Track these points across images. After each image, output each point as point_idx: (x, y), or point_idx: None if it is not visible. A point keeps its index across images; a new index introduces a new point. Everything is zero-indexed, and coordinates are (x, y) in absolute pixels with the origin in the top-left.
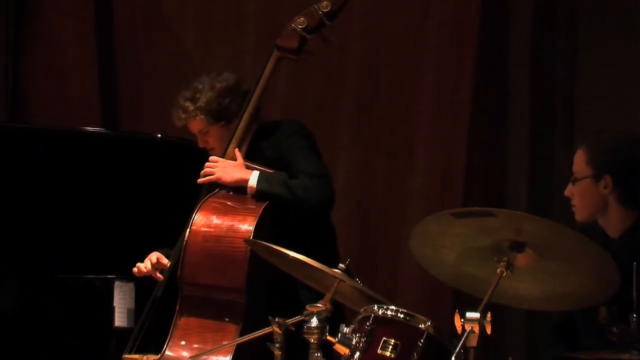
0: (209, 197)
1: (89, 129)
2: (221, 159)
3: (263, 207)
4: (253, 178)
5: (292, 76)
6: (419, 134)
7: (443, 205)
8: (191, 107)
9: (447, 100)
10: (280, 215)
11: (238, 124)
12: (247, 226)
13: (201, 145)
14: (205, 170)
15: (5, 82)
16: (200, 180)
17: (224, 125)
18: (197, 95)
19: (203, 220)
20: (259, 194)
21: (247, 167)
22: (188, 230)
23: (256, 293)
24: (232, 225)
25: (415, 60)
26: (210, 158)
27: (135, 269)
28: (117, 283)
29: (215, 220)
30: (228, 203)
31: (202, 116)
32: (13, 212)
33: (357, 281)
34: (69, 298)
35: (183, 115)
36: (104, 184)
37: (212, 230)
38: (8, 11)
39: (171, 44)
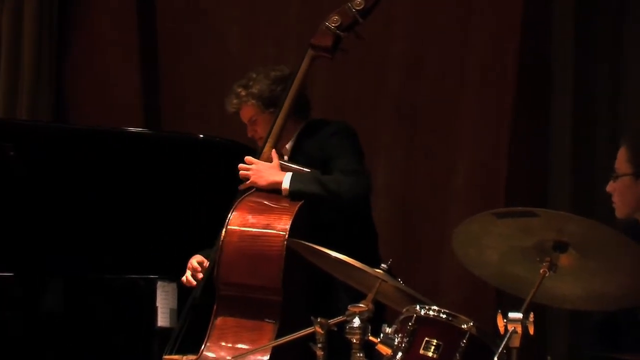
0: (244, 196)
1: (131, 129)
2: (256, 160)
3: (298, 206)
4: (286, 180)
5: (332, 76)
6: (461, 133)
7: (485, 205)
8: (243, 93)
9: (490, 98)
10: (318, 213)
11: (274, 124)
12: (282, 225)
13: (250, 134)
14: (240, 173)
15: (49, 81)
16: (241, 186)
17: (273, 113)
18: (251, 83)
19: (239, 220)
20: (293, 195)
21: (282, 168)
22: (224, 229)
23: (293, 292)
24: (268, 224)
25: (457, 59)
26: (246, 159)
27: (184, 279)
28: (159, 283)
29: (251, 219)
30: (263, 202)
31: (253, 101)
32: (59, 213)
33: (399, 281)
34: (113, 298)
35: (235, 101)
36: (147, 184)
37: (248, 229)
38: (52, 11)
39: (214, 44)
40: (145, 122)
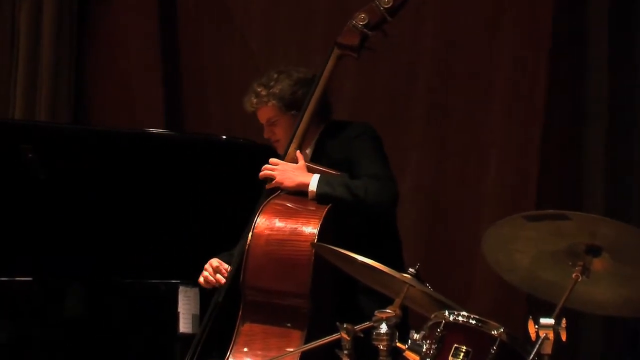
0: (270, 199)
1: (153, 130)
2: (281, 161)
3: (327, 209)
4: (313, 182)
5: (360, 75)
6: (492, 133)
7: (516, 207)
8: (264, 92)
9: (521, 98)
10: (343, 218)
11: (299, 124)
12: (311, 229)
13: (267, 135)
14: (265, 173)
15: (68, 82)
16: (267, 185)
17: (294, 116)
18: (272, 82)
19: (265, 224)
20: (320, 198)
21: (309, 169)
22: (250, 233)
23: (321, 298)
24: (296, 228)
25: (489, 58)
26: (270, 160)
27: (201, 279)
28: (181, 288)
29: (278, 223)
30: (290, 205)
31: (274, 102)
32: (79, 215)
33: (427, 286)
34: (134, 302)
35: (255, 100)
36: (169, 186)
37: (275, 233)
38: (72, 9)
39: (237, 44)
40: (167, 123)
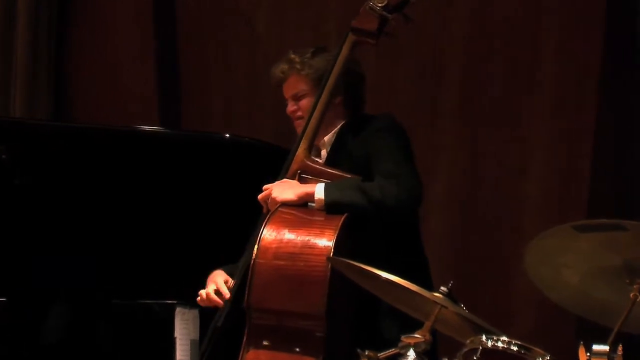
0: (277, 207)
1: (146, 128)
2: (271, 184)
3: (343, 218)
4: (319, 190)
5: (380, 65)
6: (535, 132)
7: (563, 217)
8: (298, 60)
9: (569, 92)
10: (359, 227)
11: (308, 121)
12: (326, 241)
13: (290, 109)
14: (261, 199)
15: (47, 73)
16: (265, 211)
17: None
18: (309, 54)
19: (273, 235)
20: (330, 206)
21: (321, 174)
22: (256, 247)
23: (338, 320)
24: (308, 239)
25: (531, 46)
26: (261, 195)
27: (203, 294)
28: (178, 309)
29: (288, 234)
30: (301, 214)
31: (308, 72)
32: (61, 225)
33: (462, 307)
34: (123, 326)
35: (285, 67)
36: (164, 192)
37: (285, 246)
38: None
39: (241, 30)
40: (162, 119)
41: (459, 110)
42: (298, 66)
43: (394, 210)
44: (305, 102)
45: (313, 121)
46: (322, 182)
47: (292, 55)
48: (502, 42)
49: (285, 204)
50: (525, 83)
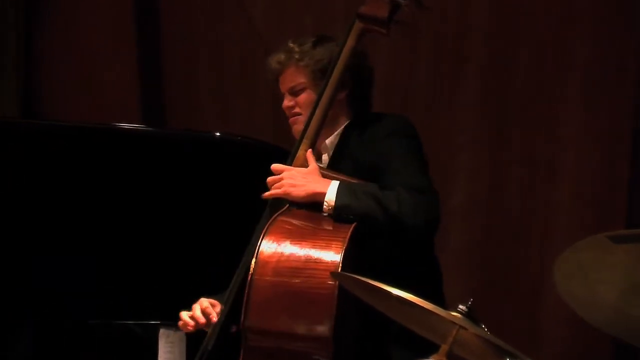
0: (277, 216)
1: (126, 125)
2: (287, 167)
3: (351, 228)
4: (332, 190)
5: (394, 57)
6: (566, 131)
7: (600, 226)
8: (297, 49)
9: (605, 86)
10: (366, 240)
11: (309, 120)
12: (332, 255)
13: (286, 104)
14: (269, 182)
15: (15, 65)
16: (265, 194)
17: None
18: (310, 44)
19: (273, 248)
20: (340, 211)
21: (324, 176)
22: (253, 261)
23: (344, 343)
24: (313, 253)
25: (561, 36)
26: (273, 167)
27: (181, 322)
28: (162, 331)
29: (289, 247)
30: (304, 223)
31: (307, 62)
32: (29, 235)
33: (483, 327)
34: (102, 350)
35: (283, 57)
36: (146, 198)
37: (286, 260)
38: None
39: (234, 14)
40: (144, 116)
41: (480, 106)
42: (297, 56)
43: (410, 230)
44: (303, 97)
45: (315, 120)
46: (339, 179)
47: (291, 45)
48: (527, 30)
49: (290, 207)
50: (555, 75)
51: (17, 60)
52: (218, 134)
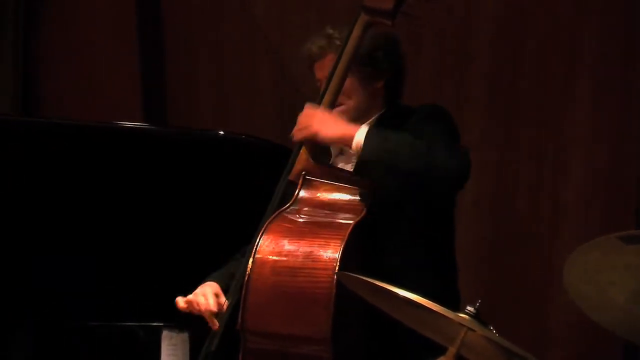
0: (277, 214)
1: (126, 124)
2: (318, 110)
3: (352, 225)
4: (361, 132)
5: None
6: (574, 130)
7: (610, 226)
8: (337, 35)
9: (613, 85)
10: (388, 224)
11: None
12: (330, 253)
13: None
14: (300, 122)
15: (13, 61)
16: (295, 138)
17: (363, 80)
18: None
19: (271, 246)
20: (365, 155)
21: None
22: (251, 260)
23: (346, 344)
24: (311, 251)
25: (572, 29)
26: (307, 106)
27: (182, 303)
28: (165, 333)
29: (288, 245)
30: (304, 220)
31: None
32: (28, 235)
33: (491, 329)
34: (103, 353)
35: (324, 42)
36: (148, 197)
37: (284, 259)
38: None
39: (236, 10)
40: (146, 114)
41: (487, 104)
42: (338, 42)
43: (441, 175)
44: (347, 82)
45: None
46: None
47: (330, 31)
48: (535, 24)
49: (292, 206)
50: (564, 72)
51: (17, 60)
52: (222, 132)
